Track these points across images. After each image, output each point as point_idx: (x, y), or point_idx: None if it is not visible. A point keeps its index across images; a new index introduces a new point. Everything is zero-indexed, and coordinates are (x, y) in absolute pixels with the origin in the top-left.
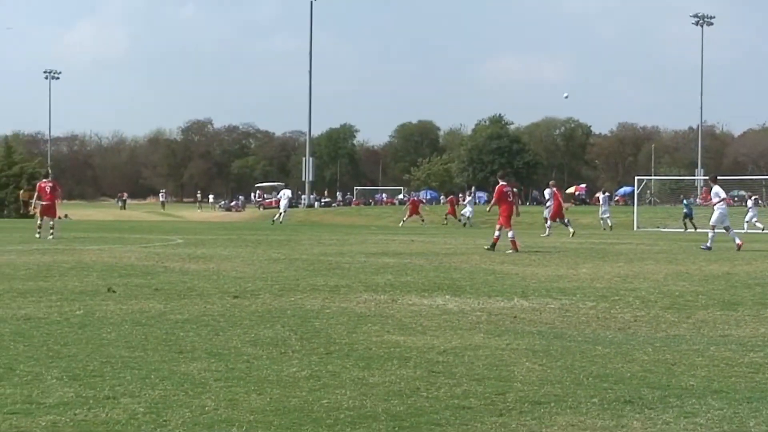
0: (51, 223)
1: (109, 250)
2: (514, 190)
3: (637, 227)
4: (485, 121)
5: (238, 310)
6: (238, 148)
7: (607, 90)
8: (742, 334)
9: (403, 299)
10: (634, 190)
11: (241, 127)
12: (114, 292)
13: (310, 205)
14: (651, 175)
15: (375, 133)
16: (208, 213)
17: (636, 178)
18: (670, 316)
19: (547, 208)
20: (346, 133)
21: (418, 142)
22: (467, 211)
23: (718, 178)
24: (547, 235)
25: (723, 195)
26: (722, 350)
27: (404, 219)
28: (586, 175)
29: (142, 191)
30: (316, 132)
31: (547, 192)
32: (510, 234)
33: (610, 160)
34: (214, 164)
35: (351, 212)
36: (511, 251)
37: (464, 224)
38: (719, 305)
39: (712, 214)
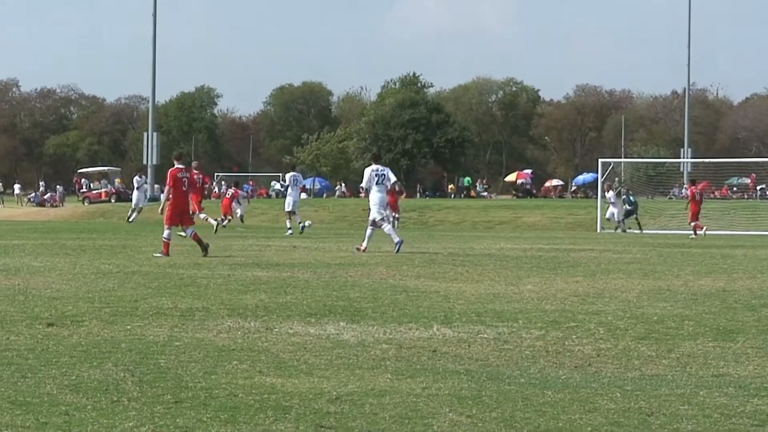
0: None
1: None
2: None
3: (601, 228)
4: (394, 83)
5: (53, 343)
6: (55, 120)
7: (562, 42)
8: (742, 374)
9: (281, 327)
10: (597, 178)
11: (59, 90)
12: None
13: (154, 199)
14: (620, 157)
15: (244, 99)
16: (12, 209)
17: (600, 161)
18: (646, 348)
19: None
20: (203, 98)
21: (302, 111)
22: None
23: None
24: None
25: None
26: (716, 395)
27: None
28: (532, 156)
29: None
30: (163, 98)
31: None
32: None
33: (565, 136)
34: (21, 142)
35: (211, 208)
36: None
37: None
38: (712, 334)
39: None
